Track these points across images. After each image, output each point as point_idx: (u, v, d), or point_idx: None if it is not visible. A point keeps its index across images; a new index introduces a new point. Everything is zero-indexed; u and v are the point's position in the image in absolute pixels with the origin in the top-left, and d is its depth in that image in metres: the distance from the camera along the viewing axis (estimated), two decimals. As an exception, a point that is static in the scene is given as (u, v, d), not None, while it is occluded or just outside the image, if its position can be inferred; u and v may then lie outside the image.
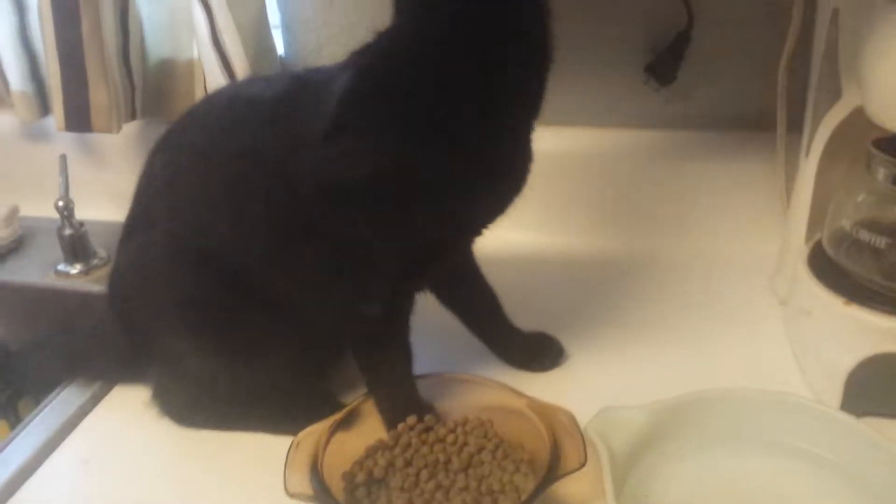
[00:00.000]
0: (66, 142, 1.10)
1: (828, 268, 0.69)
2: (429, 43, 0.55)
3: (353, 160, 0.56)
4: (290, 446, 0.59)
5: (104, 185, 1.10)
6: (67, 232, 1.01)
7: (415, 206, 0.58)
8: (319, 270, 0.62)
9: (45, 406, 0.77)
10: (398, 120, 0.56)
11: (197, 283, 0.64)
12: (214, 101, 0.73)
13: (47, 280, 1.02)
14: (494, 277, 0.76)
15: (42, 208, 1.10)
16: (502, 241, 0.69)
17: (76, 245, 1.01)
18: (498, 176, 0.61)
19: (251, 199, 0.61)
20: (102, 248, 1.04)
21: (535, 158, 0.63)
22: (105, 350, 0.78)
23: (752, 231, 0.90)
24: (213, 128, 0.66)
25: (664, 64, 0.88)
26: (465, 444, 0.62)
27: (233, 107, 0.66)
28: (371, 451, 0.63)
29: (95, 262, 1.03)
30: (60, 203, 0.99)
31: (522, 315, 0.77)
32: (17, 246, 1.10)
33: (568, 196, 0.95)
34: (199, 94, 1.00)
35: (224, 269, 0.63)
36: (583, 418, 0.60)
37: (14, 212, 1.11)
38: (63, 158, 1.00)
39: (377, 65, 0.58)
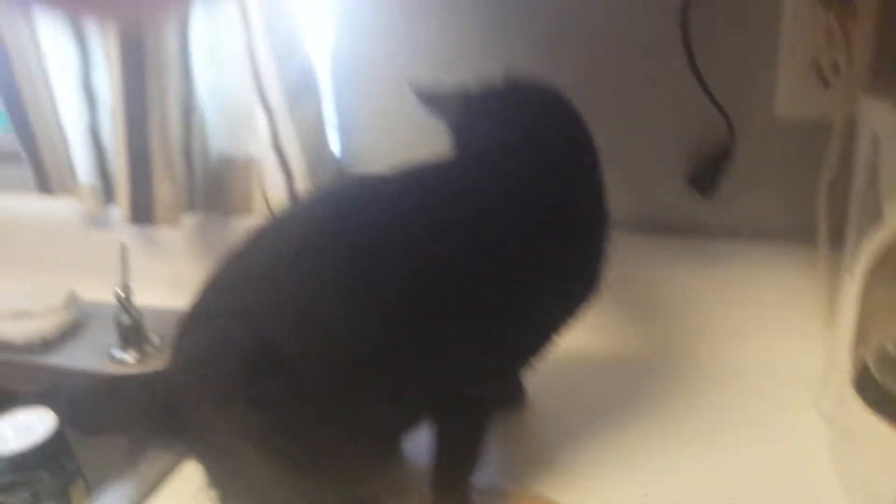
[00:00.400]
0: (124, 228, 1.15)
1: (875, 390, 0.70)
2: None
3: (532, 244, 0.66)
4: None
5: (159, 273, 1.14)
6: (125, 320, 1.05)
7: (557, 284, 0.69)
8: (463, 355, 0.65)
9: (99, 497, 0.79)
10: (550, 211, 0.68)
11: (277, 393, 0.61)
12: (313, 207, 0.70)
13: (102, 366, 1.06)
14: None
15: (96, 292, 1.15)
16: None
17: (132, 332, 1.05)
18: (595, 262, 0.73)
19: (387, 296, 0.62)
20: (157, 336, 1.08)
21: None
22: (161, 435, 0.76)
23: (794, 343, 0.90)
24: (323, 233, 0.64)
25: (705, 176, 0.91)
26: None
27: (340, 209, 0.66)
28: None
29: (150, 349, 1.06)
30: (119, 291, 1.03)
31: (554, 416, 0.80)
32: (73, 331, 1.13)
33: (607, 300, 0.96)
34: (257, 191, 1.05)
35: (314, 380, 0.61)
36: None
37: (71, 297, 1.15)
38: (124, 247, 1.04)
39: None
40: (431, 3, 0.95)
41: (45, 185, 1.12)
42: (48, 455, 0.89)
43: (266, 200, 1.03)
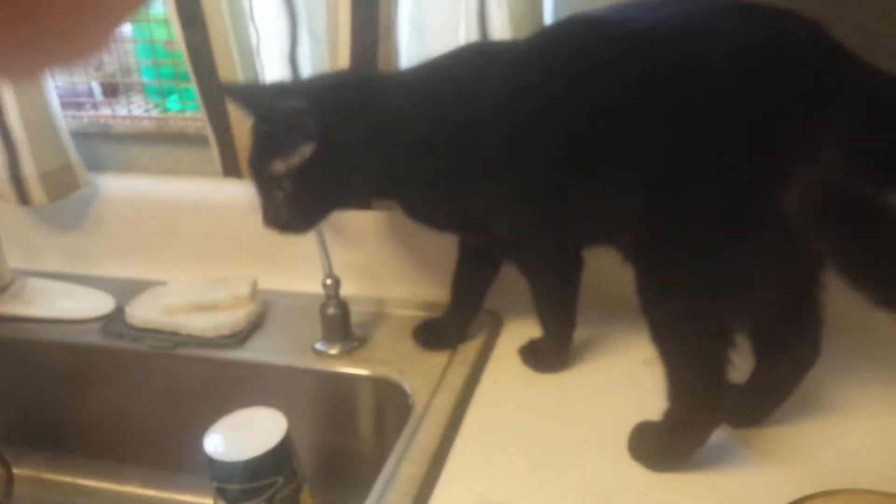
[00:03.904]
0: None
1: None
2: None
3: None
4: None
5: (353, 263, 1.08)
6: (331, 310, 0.98)
7: None
8: None
9: None
10: None
11: None
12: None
13: (304, 360, 0.99)
14: None
15: (274, 282, 1.09)
16: None
17: (337, 324, 0.98)
18: None
19: None
20: (358, 328, 1.01)
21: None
22: None
23: None
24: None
25: None
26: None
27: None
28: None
29: (354, 343, 0.99)
30: (328, 281, 0.97)
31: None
32: (259, 322, 1.07)
33: None
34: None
35: None
36: None
37: (255, 287, 1.08)
38: (321, 234, 0.96)
39: None
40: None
41: (232, 168, 1.05)
42: (283, 459, 0.83)
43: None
